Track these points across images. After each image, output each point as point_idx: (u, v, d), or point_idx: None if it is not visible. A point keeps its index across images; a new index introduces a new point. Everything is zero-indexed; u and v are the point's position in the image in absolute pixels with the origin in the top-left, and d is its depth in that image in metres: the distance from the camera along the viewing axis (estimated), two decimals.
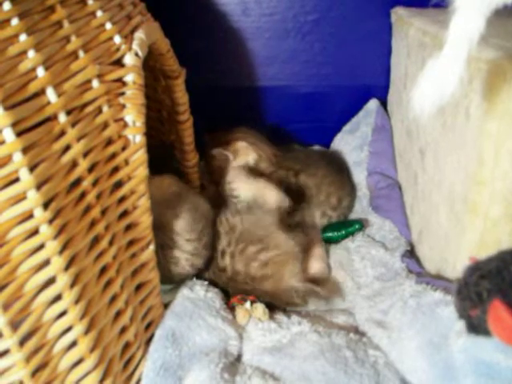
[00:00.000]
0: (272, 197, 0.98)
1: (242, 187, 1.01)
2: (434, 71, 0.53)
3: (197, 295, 0.83)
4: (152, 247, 0.75)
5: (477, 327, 0.59)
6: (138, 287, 0.75)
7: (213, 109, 1.21)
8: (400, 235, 0.99)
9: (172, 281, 0.88)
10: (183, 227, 0.87)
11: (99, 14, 0.69)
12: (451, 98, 0.78)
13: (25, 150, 0.54)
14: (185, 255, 0.86)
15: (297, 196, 1.04)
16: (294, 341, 0.77)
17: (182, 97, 0.96)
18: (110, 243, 0.67)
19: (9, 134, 0.52)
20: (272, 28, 1.16)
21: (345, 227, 1.02)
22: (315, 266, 0.95)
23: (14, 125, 0.53)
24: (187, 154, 1.02)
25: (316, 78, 1.21)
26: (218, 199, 1.03)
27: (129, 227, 0.71)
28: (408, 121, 1.03)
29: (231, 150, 1.11)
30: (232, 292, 0.90)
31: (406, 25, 1.01)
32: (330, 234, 1.03)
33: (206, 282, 0.88)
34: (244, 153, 1.11)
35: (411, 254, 0.96)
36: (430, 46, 0.86)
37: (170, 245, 0.85)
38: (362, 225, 1.02)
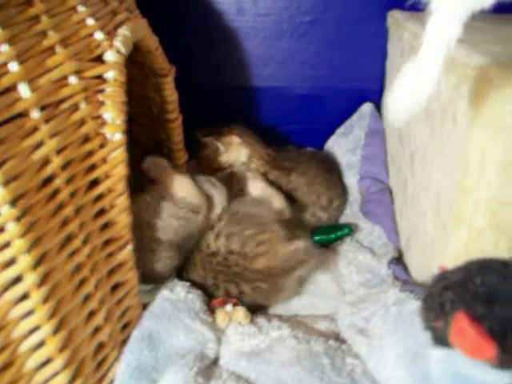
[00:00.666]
0: (277, 203, 0.99)
1: (256, 185, 1.02)
2: (409, 75, 0.51)
3: (177, 296, 0.82)
4: (130, 247, 0.74)
5: (441, 339, 0.58)
6: (115, 287, 0.74)
7: (206, 108, 1.21)
8: (388, 241, 0.98)
9: (153, 280, 0.87)
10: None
11: (80, 9, 0.67)
12: (439, 102, 0.78)
13: None
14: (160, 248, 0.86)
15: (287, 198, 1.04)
16: (272, 346, 0.76)
17: (171, 95, 0.95)
18: (84, 242, 0.66)
19: None
20: (267, 28, 1.15)
21: (334, 231, 1.01)
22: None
23: None
24: (176, 153, 1.01)
25: (311, 79, 1.19)
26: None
27: (105, 226, 0.70)
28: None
29: (224, 141, 1.11)
30: (218, 281, 0.89)
31: (401, 28, 0.99)
32: (319, 237, 1.01)
33: (188, 284, 0.87)
34: (236, 148, 1.11)
35: (399, 260, 0.95)
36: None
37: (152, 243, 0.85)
38: (351, 229, 1.01)
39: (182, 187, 0.91)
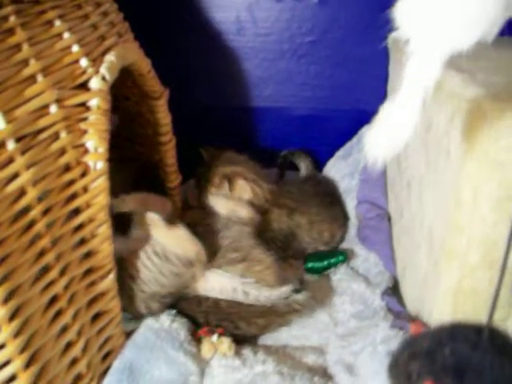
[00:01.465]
0: (243, 212, 1.01)
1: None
2: (388, 118, 0.49)
3: (161, 325, 0.80)
4: (112, 276, 0.73)
5: None
6: (96, 316, 0.73)
7: (205, 128, 1.20)
8: (384, 270, 0.96)
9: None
10: None
11: (66, 35, 0.67)
12: (435, 133, 0.76)
13: None
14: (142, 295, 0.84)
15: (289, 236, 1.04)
16: (255, 382, 0.74)
17: (164, 117, 0.94)
18: (62, 273, 0.65)
19: None
20: (267, 48, 1.14)
21: (328, 258, 0.99)
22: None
23: None
24: (169, 175, 1.00)
25: (311, 100, 1.18)
26: (202, 219, 1.01)
27: (86, 256, 0.69)
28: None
29: (230, 182, 1.07)
30: (209, 320, 0.87)
31: (401, 51, 0.97)
32: (312, 265, 0.99)
33: (174, 311, 0.85)
34: (242, 190, 1.07)
35: (394, 290, 0.92)
36: None
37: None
38: (346, 257, 0.99)
39: (175, 241, 0.87)
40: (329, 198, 1.11)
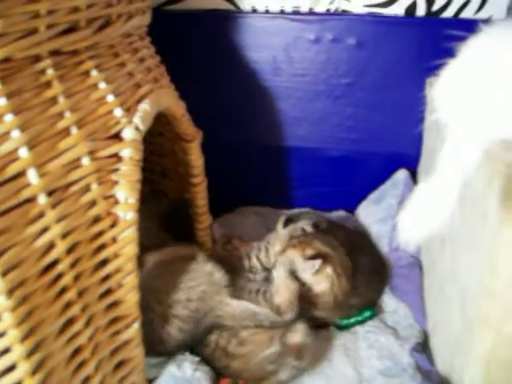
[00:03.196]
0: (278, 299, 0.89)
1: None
2: (422, 199, 0.48)
3: (183, 374, 0.80)
4: (137, 324, 0.72)
5: None
6: (119, 365, 0.72)
7: (238, 167, 1.20)
8: (414, 323, 0.93)
9: (161, 352, 0.84)
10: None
11: (102, 85, 0.67)
12: (472, 192, 0.73)
13: None
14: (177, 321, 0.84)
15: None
16: None
17: (196, 159, 0.94)
18: (87, 324, 0.64)
19: None
20: (303, 89, 1.14)
21: (355, 315, 0.95)
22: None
23: None
24: (200, 216, 1.00)
25: (345, 142, 1.17)
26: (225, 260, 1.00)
27: (112, 305, 0.69)
28: None
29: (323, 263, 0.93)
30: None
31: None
32: (338, 321, 0.96)
33: (197, 359, 0.84)
34: (323, 278, 0.92)
35: (424, 346, 0.89)
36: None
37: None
38: (373, 313, 0.96)
39: None
40: (377, 265, 1.04)
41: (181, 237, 1.03)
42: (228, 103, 1.17)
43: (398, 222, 0.50)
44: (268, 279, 0.94)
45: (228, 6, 1.10)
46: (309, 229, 1.00)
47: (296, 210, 1.23)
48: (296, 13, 1.09)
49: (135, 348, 0.74)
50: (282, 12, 1.10)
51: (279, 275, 0.89)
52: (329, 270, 0.91)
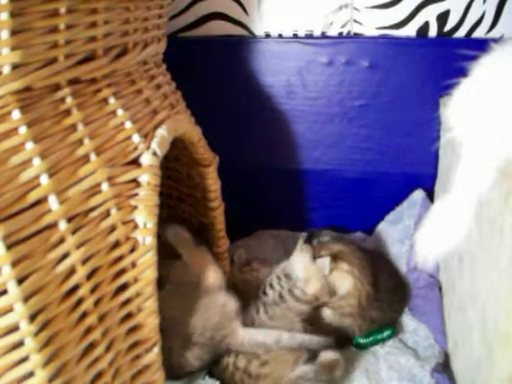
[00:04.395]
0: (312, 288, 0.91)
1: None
2: (439, 217, 0.48)
3: None
4: (157, 349, 0.72)
5: None
6: None
7: (256, 190, 1.20)
8: (435, 343, 0.92)
9: (180, 375, 0.84)
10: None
11: (119, 112, 0.68)
12: (489, 210, 0.73)
13: (15, 263, 0.53)
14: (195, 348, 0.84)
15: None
16: None
17: (213, 184, 0.94)
18: (107, 349, 0.65)
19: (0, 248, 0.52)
20: (317, 112, 1.14)
21: (375, 333, 0.95)
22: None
23: (6, 237, 0.52)
24: (218, 240, 1.00)
25: (360, 163, 1.17)
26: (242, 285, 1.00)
27: (132, 330, 0.69)
28: None
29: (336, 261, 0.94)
30: None
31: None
32: (358, 340, 0.95)
33: (218, 383, 0.84)
34: (341, 276, 0.93)
35: (444, 366, 0.88)
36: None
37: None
38: (394, 331, 0.95)
39: None
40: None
41: None
42: (243, 127, 1.18)
43: (415, 240, 0.50)
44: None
45: (242, 32, 1.12)
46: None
47: None
48: (309, 37, 1.11)
49: (156, 372, 0.73)
50: (296, 36, 1.11)
51: (305, 265, 0.90)
52: (344, 265, 0.92)
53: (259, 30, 1.12)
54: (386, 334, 0.94)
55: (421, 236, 0.49)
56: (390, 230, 1.13)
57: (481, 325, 0.75)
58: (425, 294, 1.00)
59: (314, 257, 0.92)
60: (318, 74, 1.12)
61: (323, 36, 1.11)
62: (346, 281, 0.92)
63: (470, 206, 0.45)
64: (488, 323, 0.72)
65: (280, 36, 1.12)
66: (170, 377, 0.81)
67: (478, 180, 0.44)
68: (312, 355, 0.86)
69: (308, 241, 0.98)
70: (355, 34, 1.09)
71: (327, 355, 0.84)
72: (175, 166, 1.05)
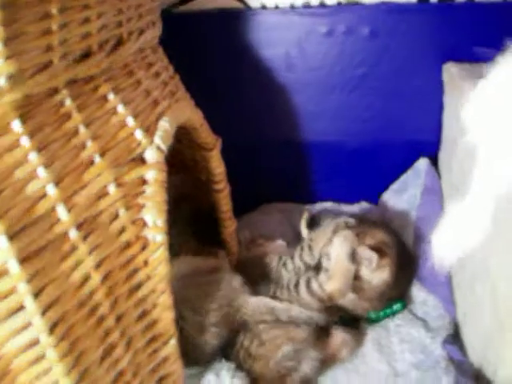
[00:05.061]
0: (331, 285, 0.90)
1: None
2: (457, 220, 0.47)
3: (221, 382, 0.81)
4: (174, 341, 0.73)
5: None
6: (160, 380, 0.73)
7: (259, 164, 1.20)
8: (445, 313, 0.93)
9: (197, 360, 0.86)
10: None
11: (120, 108, 0.67)
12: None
13: (29, 278, 0.53)
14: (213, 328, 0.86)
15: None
16: None
17: (217, 167, 0.94)
18: (126, 347, 0.65)
19: (13, 265, 0.51)
20: (318, 83, 1.12)
21: (385, 308, 0.95)
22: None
23: (18, 252, 0.52)
24: (224, 222, 1.00)
25: (363, 133, 1.15)
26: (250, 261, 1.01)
27: (149, 326, 0.70)
28: (458, 185, 0.95)
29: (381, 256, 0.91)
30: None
31: (457, 87, 0.94)
32: (369, 315, 0.95)
33: (234, 366, 0.85)
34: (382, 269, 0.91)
35: (455, 337, 0.90)
36: None
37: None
38: (404, 305, 0.96)
39: None
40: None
41: (207, 242, 1.04)
42: (243, 101, 1.16)
43: (432, 241, 0.50)
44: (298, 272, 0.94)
45: (237, 5, 1.09)
46: (351, 221, 0.99)
47: (318, 205, 1.23)
48: (306, 6, 1.08)
49: (174, 363, 0.75)
50: (292, 7, 1.08)
51: (339, 255, 0.88)
52: (385, 260, 0.90)
53: (255, 1, 1.08)
54: (396, 307, 0.95)
55: (438, 237, 0.49)
56: (396, 199, 1.13)
57: (491, 301, 0.75)
58: (433, 264, 1.00)
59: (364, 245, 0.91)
60: (317, 44, 1.09)
61: (321, 5, 1.07)
62: (382, 274, 0.90)
63: (487, 210, 0.44)
64: (498, 300, 0.72)
65: (276, 7, 1.08)
66: (188, 363, 0.82)
67: (496, 183, 0.43)
68: (323, 333, 0.88)
69: (311, 225, 0.99)
70: (354, 1, 1.06)
71: (336, 338, 0.86)
72: (178, 149, 1.04)
